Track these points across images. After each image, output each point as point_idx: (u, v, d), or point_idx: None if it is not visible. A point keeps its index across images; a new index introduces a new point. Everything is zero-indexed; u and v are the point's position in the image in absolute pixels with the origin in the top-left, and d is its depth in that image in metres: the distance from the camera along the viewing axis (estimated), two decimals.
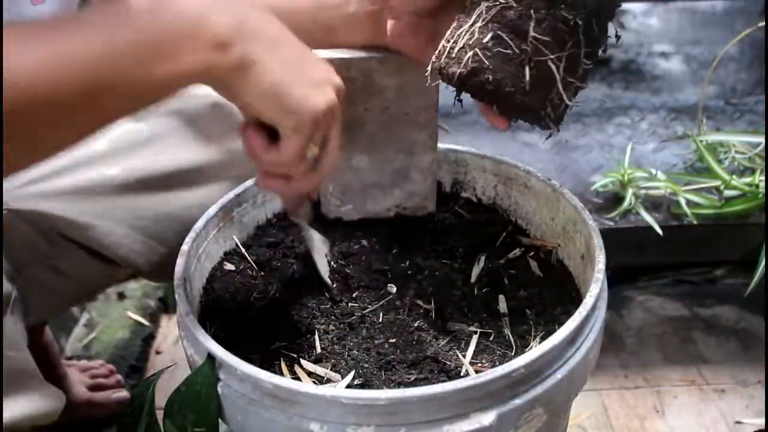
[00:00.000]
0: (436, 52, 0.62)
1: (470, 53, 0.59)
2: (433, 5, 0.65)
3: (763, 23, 1.25)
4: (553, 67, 0.57)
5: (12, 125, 0.43)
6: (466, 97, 0.63)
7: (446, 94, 0.72)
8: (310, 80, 0.56)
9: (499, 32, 0.58)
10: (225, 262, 0.77)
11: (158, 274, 0.87)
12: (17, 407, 0.60)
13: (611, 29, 0.60)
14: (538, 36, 0.57)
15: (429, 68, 0.63)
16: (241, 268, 0.77)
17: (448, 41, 0.61)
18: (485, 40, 0.58)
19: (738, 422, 1.13)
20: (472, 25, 0.60)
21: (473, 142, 1.26)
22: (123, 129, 0.85)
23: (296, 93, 0.55)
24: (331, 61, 0.71)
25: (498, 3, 0.59)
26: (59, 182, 0.82)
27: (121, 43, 0.47)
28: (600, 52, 0.60)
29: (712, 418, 1.14)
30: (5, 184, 0.81)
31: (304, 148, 0.58)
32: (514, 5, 0.58)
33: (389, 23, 0.69)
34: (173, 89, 0.53)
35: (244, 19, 0.53)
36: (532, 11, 0.57)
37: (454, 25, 0.62)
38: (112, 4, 0.50)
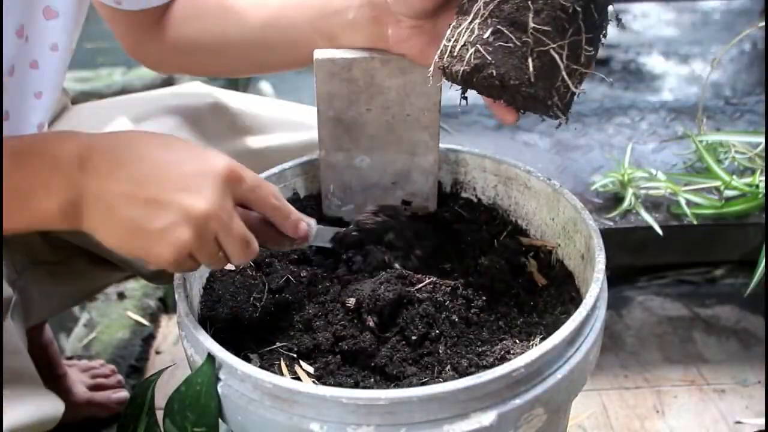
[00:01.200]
0: (438, 51, 0.62)
1: (472, 50, 0.59)
2: (433, 7, 0.65)
3: (763, 23, 1.25)
4: (556, 55, 0.58)
5: None
6: (470, 94, 0.63)
7: (447, 94, 0.72)
8: (149, 236, 0.55)
9: (498, 26, 0.58)
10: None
11: (159, 276, 0.87)
12: (15, 415, 0.60)
13: (612, 13, 0.60)
14: (538, 26, 0.57)
15: (432, 69, 0.63)
16: (241, 268, 0.77)
17: (449, 40, 0.61)
18: (486, 36, 0.59)
19: (738, 422, 1.14)
20: (471, 22, 0.60)
21: (473, 142, 1.27)
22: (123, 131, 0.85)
23: (136, 253, 0.56)
24: (334, 61, 0.71)
25: None
26: None
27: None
28: (602, 37, 0.60)
29: (712, 418, 1.14)
30: None
31: (188, 265, 0.58)
32: None
33: (390, 28, 0.69)
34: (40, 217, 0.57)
35: (81, 185, 0.55)
36: (529, 2, 0.57)
37: (454, 23, 0.62)
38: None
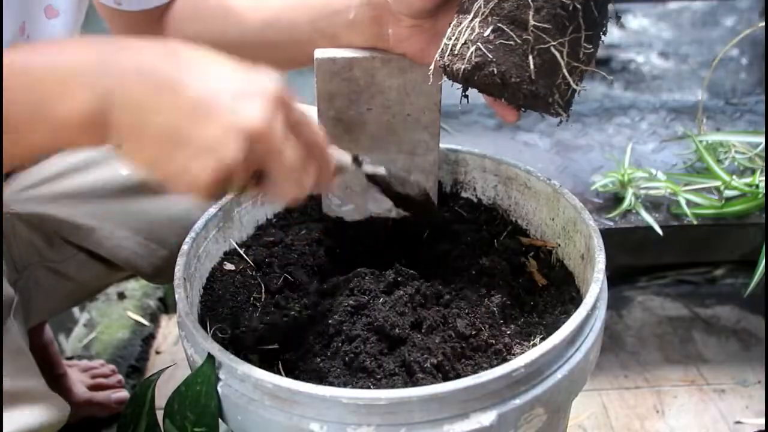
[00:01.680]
0: (439, 50, 0.62)
1: (473, 48, 0.59)
2: (432, 6, 0.65)
3: (763, 23, 1.25)
4: (557, 53, 0.58)
5: None
6: (470, 93, 0.63)
7: (448, 94, 0.72)
8: (190, 148, 0.47)
9: (499, 24, 0.58)
10: (225, 262, 0.77)
11: (159, 276, 0.87)
12: (22, 418, 0.59)
13: (611, 10, 0.60)
14: (538, 24, 0.57)
15: (432, 67, 0.63)
16: (241, 268, 0.77)
17: (450, 39, 0.61)
18: (486, 34, 0.59)
19: (738, 422, 1.13)
20: (471, 20, 0.60)
21: (473, 142, 1.26)
22: None
23: (170, 170, 0.48)
24: (334, 61, 0.71)
25: None
26: (60, 186, 0.83)
27: (19, 84, 0.46)
28: (602, 33, 0.60)
29: (712, 418, 1.14)
30: (6, 188, 0.81)
31: (218, 192, 0.49)
32: None
33: (390, 27, 0.69)
34: (47, 149, 0.51)
35: (111, 88, 0.47)
36: (530, 0, 0.57)
37: (455, 22, 0.62)
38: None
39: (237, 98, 0.48)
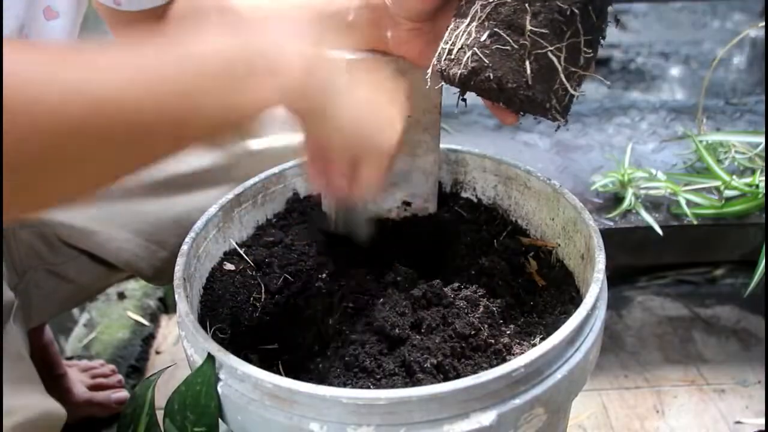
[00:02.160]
0: (436, 54, 0.62)
1: (469, 53, 0.59)
2: (431, 9, 0.65)
3: (763, 23, 1.25)
4: (554, 58, 0.57)
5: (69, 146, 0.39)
6: (469, 95, 0.63)
7: (448, 95, 0.72)
8: (382, 117, 0.61)
9: (495, 29, 0.58)
10: (225, 262, 0.77)
11: (160, 277, 0.87)
12: (18, 423, 0.59)
13: (611, 15, 0.60)
14: (535, 29, 0.57)
15: (430, 71, 0.63)
16: (241, 268, 0.77)
17: (447, 43, 0.61)
18: (483, 39, 0.58)
19: (738, 422, 1.14)
20: (468, 24, 0.60)
21: (473, 142, 1.26)
22: None
23: (372, 128, 0.60)
24: (335, 61, 0.71)
25: (492, 0, 0.59)
26: None
27: (209, 73, 0.47)
28: (601, 38, 0.60)
29: (712, 418, 1.14)
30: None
31: (384, 177, 0.62)
32: (509, 1, 0.58)
33: (389, 30, 0.69)
34: (247, 121, 0.52)
35: (316, 66, 0.55)
36: (527, 5, 0.57)
37: (451, 26, 0.62)
38: (192, 36, 0.49)
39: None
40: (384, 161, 0.61)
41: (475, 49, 0.59)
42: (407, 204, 0.83)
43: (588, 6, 0.57)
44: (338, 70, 0.58)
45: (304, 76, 0.53)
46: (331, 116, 0.57)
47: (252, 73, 0.50)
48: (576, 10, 0.56)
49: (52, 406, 0.64)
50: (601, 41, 0.60)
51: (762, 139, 1.18)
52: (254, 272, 0.76)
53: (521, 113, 0.63)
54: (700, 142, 1.18)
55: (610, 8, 0.59)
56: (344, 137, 0.59)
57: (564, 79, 0.58)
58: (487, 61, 0.58)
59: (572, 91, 0.59)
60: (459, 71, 0.59)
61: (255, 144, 0.90)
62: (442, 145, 0.82)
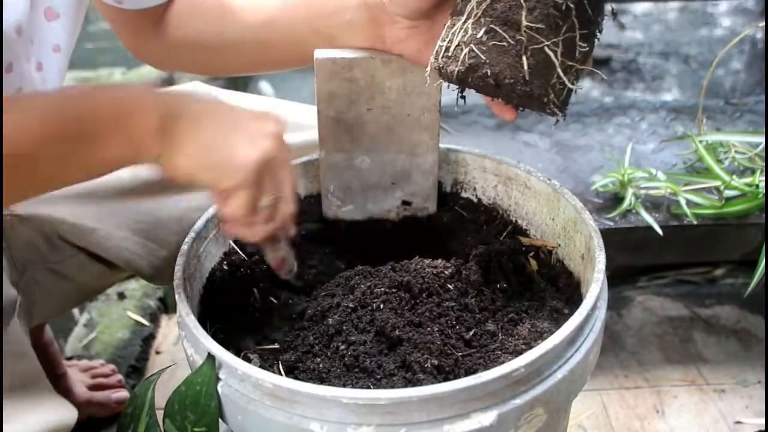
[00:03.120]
0: (434, 52, 0.62)
1: (466, 50, 0.59)
2: (428, 7, 0.65)
3: (763, 23, 1.25)
4: (551, 53, 0.57)
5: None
6: (469, 93, 0.63)
7: (448, 95, 0.72)
8: (239, 138, 0.59)
9: (492, 26, 0.58)
10: (225, 262, 0.77)
11: (159, 276, 0.87)
12: (30, 422, 0.59)
13: (607, 8, 0.60)
14: (531, 24, 0.57)
15: (429, 68, 0.63)
16: (240, 268, 0.77)
17: (444, 40, 0.61)
18: (479, 35, 0.59)
19: (738, 422, 1.13)
20: (465, 22, 0.60)
21: (473, 142, 1.26)
22: None
23: (223, 152, 0.59)
24: (334, 61, 0.71)
25: None
26: None
27: (59, 120, 0.56)
28: (597, 32, 0.60)
29: (712, 418, 1.14)
30: None
31: (254, 200, 0.61)
32: None
33: (387, 29, 0.69)
34: (102, 168, 0.61)
35: (169, 108, 0.59)
36: (522, 0, 0.57)
37: (448, 24, 0.62)
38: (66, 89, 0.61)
39: (257, 124, 0.62)
40: (246, 184, 0.60)
41: (471, 45, 0.59)
42: (407, 203, 0.83)
43: (584, 0, 0.57)
44: (187, 105, 0.60)
45: (152, 122, 0.58)
46: (185, 151, 0.59)
47: (102, 130, 0.57)
48: (571, 5, 0.56)
49: (63, 405, 0.64)
50: (598, 35, 0.60)
51: (762, 139, 1.18)
52: (254, 272, 0.76)
53: (520, 108, 0.63)
54: (700, 142, 1.18)
55: (606, 2, 0.59)
56: (200, 166, 0.59)
57: (561, 74, 0.58)
58: (484, 58, 0.58)
59: (570, 85, 0.59)
60: (456, 68, 0.59)
61: None
62: (442, 145, 0.82)
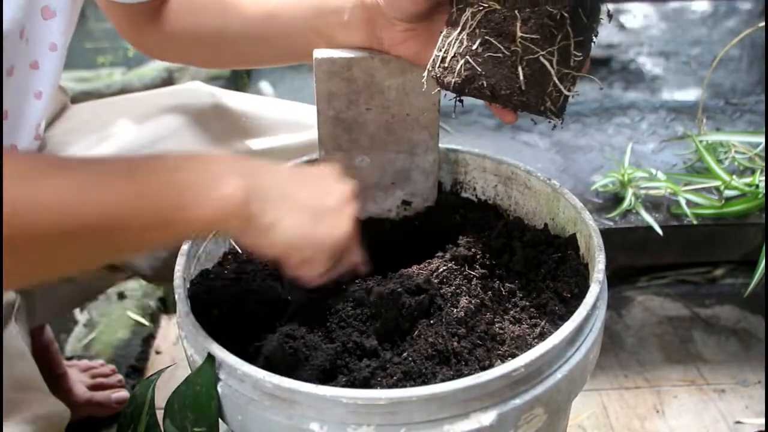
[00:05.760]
0: (431, 61, 0.62)
1: (462, 61, 0.59)
2: (423, 11, 0.65)
3: (763, 23, 1.25)
4: (546, 62, 0.57)
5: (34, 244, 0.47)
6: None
7: (447, 95, 0.72)
8: (328, 213, 0.59)
9: (487, 37, 0.58)
10: (225, 262, 0.77)
11: (159, 277, 0.87)
12: (21, 422, 0.59)
13: (603, 12, 0.60)
14: (526, 35, 0.57)
15: (426, 73, 0.64)
16: (240, 268, 0.77)
17: (440, 50, 0.61)
18: (474, 47, 0.59)
19: (738, 422, 1.14)
20: (460, 33, 0.60)
21: (473, 142, 1.27)
22: (130, 135, 0.85)
23: (319, 233, 0.58)
24: (334, 61, 0.71)
25: (482, 7, 0.59)
26: None
27: (147, 194, 0.52)
28: (593, 37, 0.60)
29: (712, 418, 1.14)
30: None
31: (329, 269, 0.62)
32: (498, 8, 0.58)
33: (384, 30, 0.69)
34: (185, 238, 0.62)
35: (254, 181, 0.56)
36: (516, 11, 0.57)
37: (444, 33, 0.62)
38: (143, 158, 0.56)
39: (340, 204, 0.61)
40: (330, 254, 0.60)
41: (467, 57, 0.59)
42: (407, 203, 0.83)
43: (578, 8, 0.57)
44: (276, 178, 0.58)
45: (241, 194, 0.54)
46: (279, 237, 0.57)
47: (186, 193, 0.53)
48: (566, 14, 0.56)
49: (55, 405, 0.64)
50: (594, 40, 0.60)
51: (762, 139, 1.18)
52: (254, 272, 0.76)
53: (519, 111, 0.63)
54: (700, 142, 1.18)
55: (602, 6, 0.59)
56: (290, 245, 0.58)
57: (557, 82, 0.58)
58: (479, 69, 0.58)
59: (566, 92, 0.59)
60: (453, 80, 0.60)
61: (256, 144, 0.90)
62: (441, 145, 0.82)
